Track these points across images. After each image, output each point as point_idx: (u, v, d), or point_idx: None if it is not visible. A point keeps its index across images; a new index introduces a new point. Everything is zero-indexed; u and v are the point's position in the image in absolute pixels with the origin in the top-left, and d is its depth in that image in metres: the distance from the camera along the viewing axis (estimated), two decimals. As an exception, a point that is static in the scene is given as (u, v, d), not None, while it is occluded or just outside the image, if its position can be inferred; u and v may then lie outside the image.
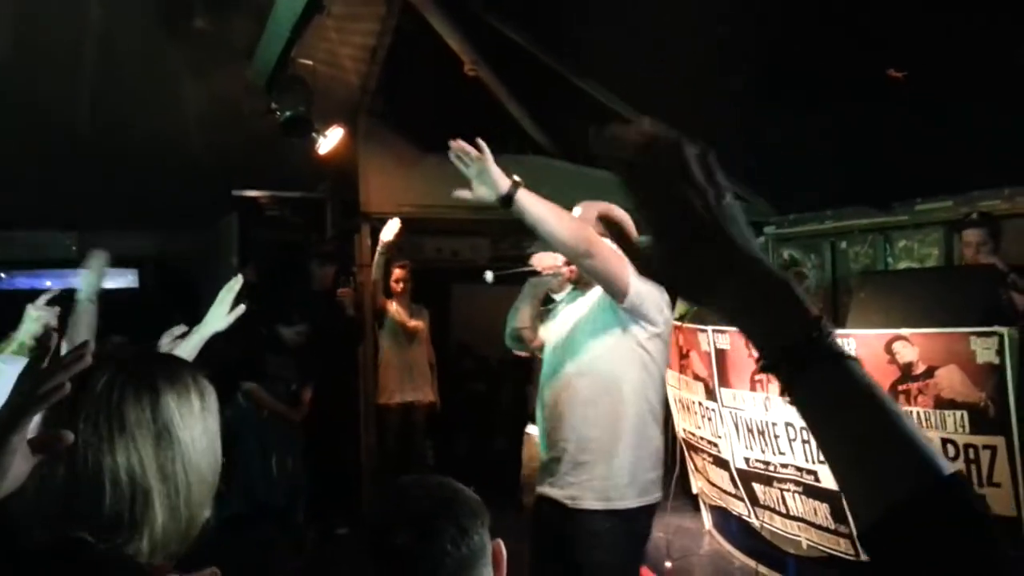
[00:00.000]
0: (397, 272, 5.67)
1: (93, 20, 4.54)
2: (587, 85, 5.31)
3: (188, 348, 2.04)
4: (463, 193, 2.16)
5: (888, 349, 3.25)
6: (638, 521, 2.55)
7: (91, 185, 6.24)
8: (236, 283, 2.22)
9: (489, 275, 2.87)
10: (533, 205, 2.16)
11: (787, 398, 0.69)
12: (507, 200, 2.12)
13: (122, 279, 9.06)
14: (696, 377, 4.39)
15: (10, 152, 5.54)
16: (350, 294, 5.79)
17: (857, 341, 3.36)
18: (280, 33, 4.20)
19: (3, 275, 6.68)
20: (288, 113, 4.82)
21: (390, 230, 5.26)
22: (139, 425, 1.03)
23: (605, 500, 2.48)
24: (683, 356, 4.56)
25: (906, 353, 3.20)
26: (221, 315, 2.17)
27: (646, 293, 2.40)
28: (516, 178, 2.14)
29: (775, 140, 5.23)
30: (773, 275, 0.70)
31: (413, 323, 5.73)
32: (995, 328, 3.00)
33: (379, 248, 5.30)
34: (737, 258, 0.70)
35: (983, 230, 3.99)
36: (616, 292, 2.37)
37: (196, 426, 1.10)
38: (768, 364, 0.70)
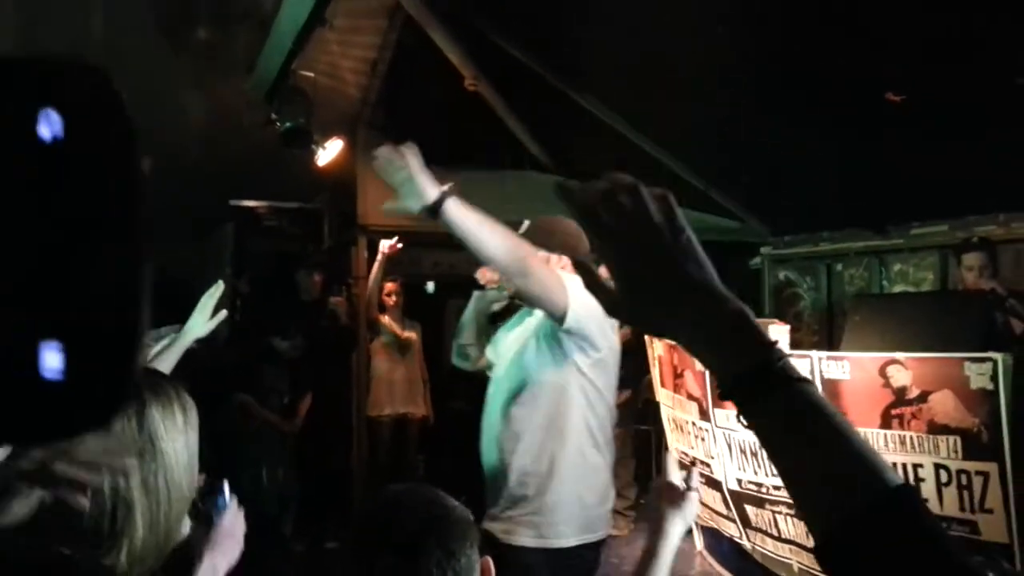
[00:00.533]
0: (389, 286, 5.68)
1: (95, 30, 4.56)
2: (586, 101, 5.33)
3: (171, 357, 2.02)
4: (391, 205, 1.96)
5: (882, 373, 3.25)
6: (580, 559, 2.39)
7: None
8: (217, 289, 2.19)
9: (431, 285, 2.80)
10: (463, 217, 1.93)
11: (742, 422, 0.72)
12: (434, 210, 1.89)
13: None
14: (690, 397, 4.38)
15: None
16: (343, 303, 5.80)
17: (851, 364, 3.36)
18: (282, 44, 4.22)
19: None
20: (288, 124, 4.84)
21: (388, 243, 5.28)
22: (124, 437, 1.03)
23: (539, 537, 2.33)
24: (677, 376, 4.55)
25: (900, 377, 3.20)
26: (202, 322, 2.15)
27: (586, 316, 2.23)
28: (446, 187, 1.92)
29: (772, 162, 5.25)
30: (726, 305, 0.73)
31: (406, 333, 5.75)
32: (989, 354, 3.00)
33: (379, 258, 5.32)
34: (690, 291, 0.74)
35: (984, 254, 3.99)
36: (554, 314, 2.21)
37: (179, 439, 1.09)
38: (724, 391, 0.73)
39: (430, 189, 1.88)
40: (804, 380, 0.70)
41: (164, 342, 2.13)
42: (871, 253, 5.93)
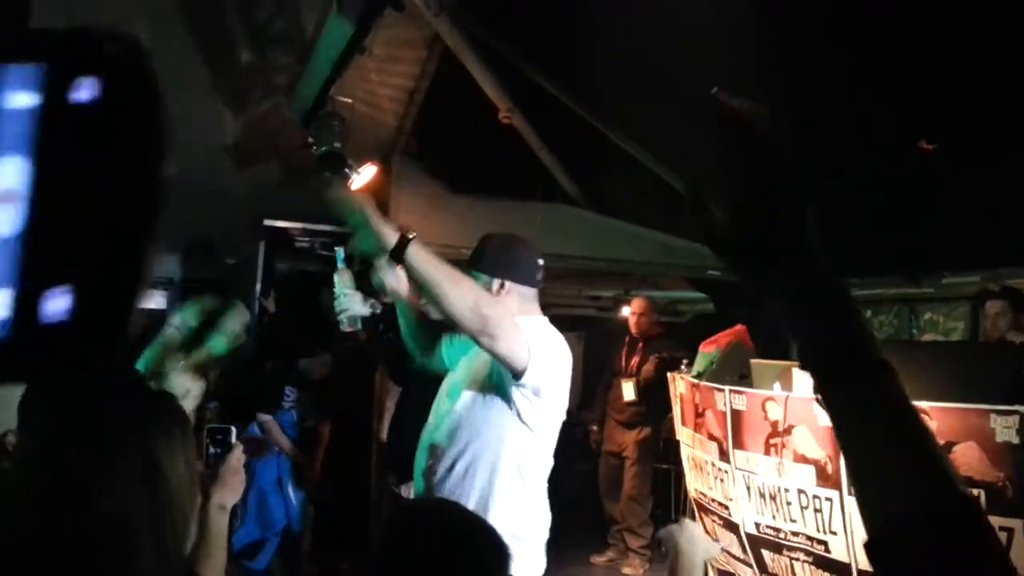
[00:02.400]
0: None
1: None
2: (618, 138, 5.37)
3: (185, 376, 2.03)
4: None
5: (905, 421, 3.20)
6: None
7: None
8: (241, 314, 2.21)
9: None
10: (425, 264, 1.88)
11: (819, 400, 0.71)
12: (397, 255, 1.86)
13: (151, 300, 9.23)
14: (710, 437, 4.35)
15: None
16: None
17: (874, 411, 3.31)
18: (321, 70, 4.30)
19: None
20: (324, 148, 4.91)
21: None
22: (125, 467, 1.00)
23: None
24: (698, 415, 4.52)
25: (924, 427, 3.15)
26: (223, 343, 2.17)
27: (544, 374, 2.12)
28: (411, 233, 1.88)
29: (803, 205, 5.22)
30: (832, 277, 0.73)
31: None
32: (1016, 407, 2.94)
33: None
34: (803, 249, 0.73)
35: (1004, 302, 4.03)
36: (513, 371, 2.11)
37: (178, 456, 1.06)
38: (807, 363, 0.72)
39: (388, 234, 1.86)
40: (892, 370, 0.70)
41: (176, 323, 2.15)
42: (901, 301, 5.87)
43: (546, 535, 2.39)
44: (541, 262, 2.44)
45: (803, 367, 0.72)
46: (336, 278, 2.93)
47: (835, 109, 4.14)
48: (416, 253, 1.87)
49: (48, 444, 0.99)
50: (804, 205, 0.75)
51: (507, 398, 2.22)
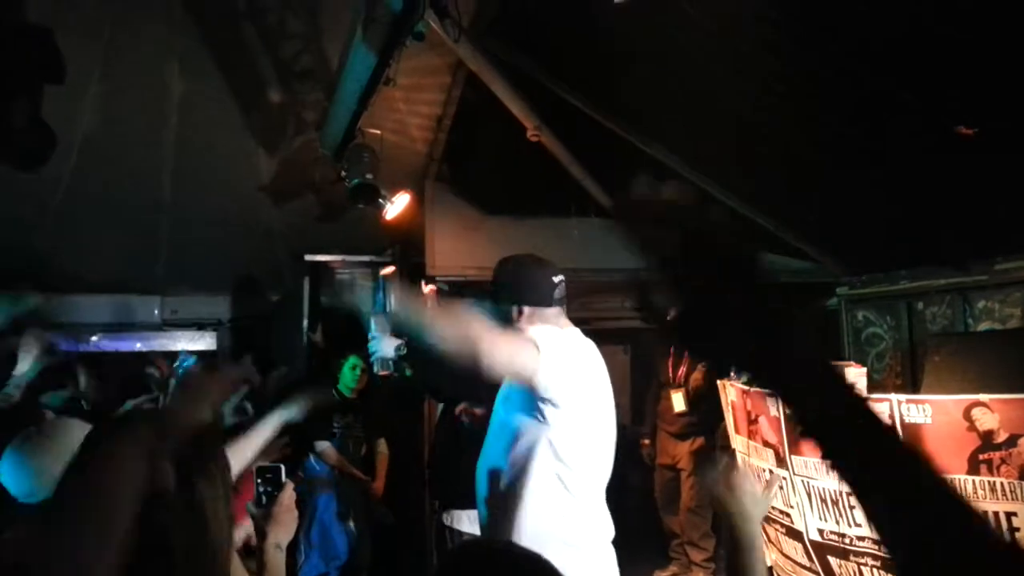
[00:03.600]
0: None
1: (175, 97, 4.80)
2: (650, 148, 5.33)
3: (262, 436, 2.06)
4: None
5: (967, 416, 3.11)
6: None
7: (173, 252, 6.54)
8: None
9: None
10: (410, 323, 2.06)
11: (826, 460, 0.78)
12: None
13: (201, 342, 9.41)
14: (765, 443, 4.26)
15: (99, 221, 5.86)
16: None
17: (933, 407, 3.22)
18: (348, 103, 4.36)
19: (94, 337, 7.00)
20: (356, 181, 4.97)
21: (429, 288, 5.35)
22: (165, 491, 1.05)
23: None
24: (752, 422, 4.44)
25: (986, 420, 3.05)
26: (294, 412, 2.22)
27: (556, 379, 2.15)
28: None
29: (844, 199, 5.14)
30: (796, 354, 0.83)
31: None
32: (1084, 394, 2.84)
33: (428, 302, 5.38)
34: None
35: None
36: (526, 383, 2.16)
37: (218, 491, 1.12)
38: (805, 432, 0.80)
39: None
40: (882, 424, 0.77)
41: (235, 401, 2.19)
42: (954, 290, 5.71)
43: (607, 539, 2.37)
44: (557, 279, 2.46)
45: (803, 435, 0.80)
46: (372, 321, 3.00)
47: (872, 94, 4.05)
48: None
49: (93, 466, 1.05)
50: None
51: (533, 409, 2.24)
